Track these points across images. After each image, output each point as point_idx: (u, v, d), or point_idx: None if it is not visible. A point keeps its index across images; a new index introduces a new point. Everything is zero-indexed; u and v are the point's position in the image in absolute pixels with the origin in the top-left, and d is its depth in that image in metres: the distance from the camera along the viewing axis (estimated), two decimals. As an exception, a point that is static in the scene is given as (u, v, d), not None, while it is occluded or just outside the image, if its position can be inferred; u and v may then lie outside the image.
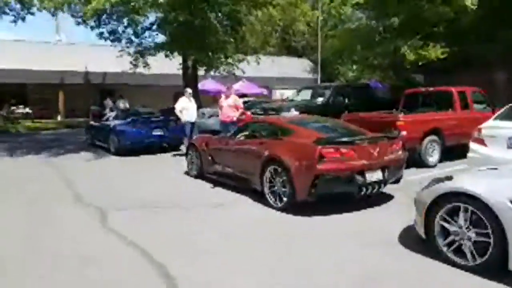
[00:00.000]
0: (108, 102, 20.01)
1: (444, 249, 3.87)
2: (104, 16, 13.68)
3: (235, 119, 10.52)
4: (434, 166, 8.70)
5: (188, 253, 4.31)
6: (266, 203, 5.93)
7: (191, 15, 13.55)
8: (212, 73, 17.84)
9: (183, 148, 11.21)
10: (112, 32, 14.66)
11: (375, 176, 5.60)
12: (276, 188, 5.75)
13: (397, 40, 33.89)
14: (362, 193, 5.53)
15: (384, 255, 4.13)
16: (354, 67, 42.84)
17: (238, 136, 7.13)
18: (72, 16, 13.11)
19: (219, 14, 15.43)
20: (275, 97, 21.46)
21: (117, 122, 11.83)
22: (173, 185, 7.56)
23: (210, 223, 5.35)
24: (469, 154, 7.00)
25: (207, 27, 14.10)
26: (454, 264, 3.76)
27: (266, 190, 5.93)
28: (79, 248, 4.48)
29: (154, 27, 15.94)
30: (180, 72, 17.54)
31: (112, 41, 15.07)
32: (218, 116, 15.71)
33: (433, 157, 8.78)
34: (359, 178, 5.41)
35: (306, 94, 12.94)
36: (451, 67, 16.60)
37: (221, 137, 7.48)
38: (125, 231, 4.95)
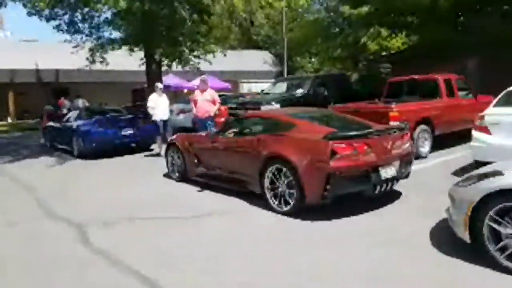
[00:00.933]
0: (65, 102, 18.55)
1: (497, 254, 3.38)
2: (59, 6, 12.44)
3: (212, 114, 9.80)
4: (425, 157, 8.34)
5: (187, 272, 3.61)
6: (267, 206, 5.28)
7: (157, 4, 12.63)
8: (174, 67, 16.93)
9: (156, 148, 10.34)
10: (71, 24, 13.41)
11: (389, 172, 5.08)
12: (279, 190, 5.11)
13: (357, 31, 34.14)
14: (377, 191, 5.00)
15: (407, 257, 3.67)
16: (313, 59, 43.25)
17: (226, 133, 6.42)
18: (24, 5, 11.79)
19: (184, 4, 14.55)
20: (243, 91, 20.74)
21: (80, 122, 10.75)
22: (155, 192, 6.74)
23: (207, 234, 4.64)
24: (473, 143, 6.66)
25: (175, 18, 13.20)
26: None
27: (268, 192, 5.28)
28: (62, 279, 3.66)
29: (116, 19, 14.85)
30: (139, 68, 16.59)
31: (70, 33, 13.82)
32: (187, 112, 15.01)
33: (425, 148, 8.42)
34: (374, 175, 4.87)
35: (281, 87, 12.35)
36: (420, 56, 16.53)
37: (207, 135, 6.72)
38: (114, 251, 4.16)
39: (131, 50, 15.02)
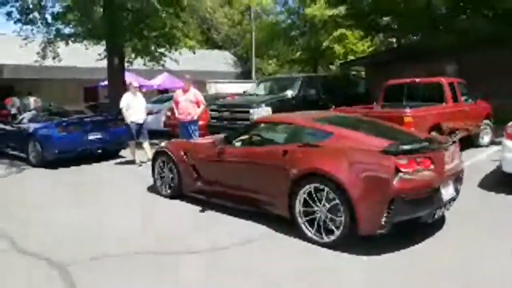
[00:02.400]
0: (14, 100, 16.48)
1: None
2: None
3: (195, 117, 8.66)
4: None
5: None
6: (300, 236, 4.24)
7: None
8: (136, 65, 15.53)
9: (129, 155, 8.99)
10: (24, 12, 11.70)
11: (449, 191, 4.22)
12: (318, 215, 4.09)
13: (318, 34, 33.94)
14: (436, 216, 4.13)
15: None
16: (270, 61, 42.79)
17: (235, 141, 5.32)
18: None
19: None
20: (211, 91, 19.50)
21: (38, 125, 9.14)
22: (145, 213, 5.50)
23: (229, 279, 3.52)
24: (506, 154, 5.99)
25: (145, 10, 11.95)
26: None
27: (300, 218, 4.24)
28: None
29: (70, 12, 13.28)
30: (94, 64, 15.11)
31: (22, 23, 12.09)
32: (155, 113, 13.68)
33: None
34: (436, 196, 3.98)
35: (265, 88, 11.35)
36: (397, 58, 16.14)
37: (212, 143, 5.56)
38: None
39: (97, 44, 13.50)
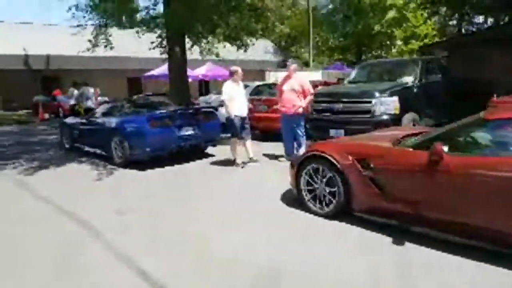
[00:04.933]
0: (73, 91, 15.44)
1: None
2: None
3: (301, 110, 7.28)
4: None
5: None
6: None
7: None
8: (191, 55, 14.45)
9: (232, 153, 7.61)
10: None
11: None
12: None
13: (366, 17, 31.60)
14: None
15: None
16: (303, 50, 40.80)
17: (460, 146, 3.79)
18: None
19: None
20: (270, 81, 18.09)
21: (123, 118, 7.89)
22: (308, 241, 4.04)
23: None
24: None
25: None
26: None
27: None
28: None
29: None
30: (142, 54, 14.18)
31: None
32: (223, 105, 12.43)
33: None
34: None
35: (366, 74, 9.73)
36: (483, 42, 14.05)
37: (409, 147, 4.08)
38: None
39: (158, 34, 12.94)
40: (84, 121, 8.89)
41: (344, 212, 4.43)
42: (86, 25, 13.25)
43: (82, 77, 21.65)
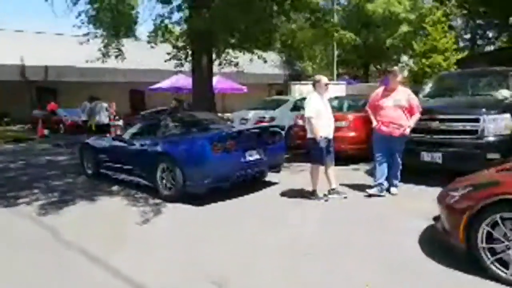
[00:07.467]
0: (86, 105, 13.72)
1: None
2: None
3: (407, 131, 5.77)
4: None
5: None
6: None
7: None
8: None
9: (313, 182, 5.98)
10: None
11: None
12: None
13: (376, 31, 30.96)
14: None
15: None
16: (305, 63, 39.89)
17: None
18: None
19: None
20: (294, 94, 16.70)
21: (173, 140, 6.23)
22: None
23: None
24: None
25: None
26: None
27: None
28: None
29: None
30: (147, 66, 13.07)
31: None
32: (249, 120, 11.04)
33: None
34: None
35: (445, 87, 8.28)
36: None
37: None
38: None
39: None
40: (116, 142, 7.17)
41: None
42: (97, 35, 12.13)
43: (80, 89, 20.10)
